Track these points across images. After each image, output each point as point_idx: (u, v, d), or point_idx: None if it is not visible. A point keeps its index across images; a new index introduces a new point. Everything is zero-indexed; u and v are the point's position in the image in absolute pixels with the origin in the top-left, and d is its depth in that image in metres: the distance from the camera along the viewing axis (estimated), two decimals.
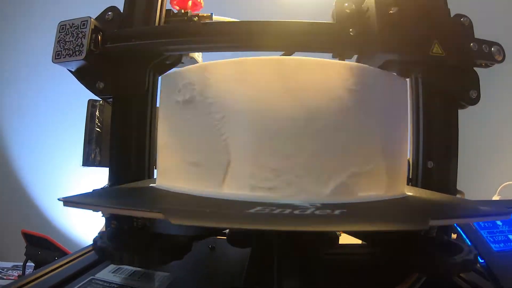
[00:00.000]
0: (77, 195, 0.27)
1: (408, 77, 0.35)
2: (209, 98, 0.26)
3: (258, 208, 0.21)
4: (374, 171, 0.26)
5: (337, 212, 0.20)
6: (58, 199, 0.25)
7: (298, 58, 0.26)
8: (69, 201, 0.23)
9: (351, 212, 0.21)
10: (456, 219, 0.24)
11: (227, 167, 0.25)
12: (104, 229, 0.40)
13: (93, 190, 0.35)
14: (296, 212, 0.20)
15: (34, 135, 1.27)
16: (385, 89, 0.28)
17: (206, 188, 0.26)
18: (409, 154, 0.41)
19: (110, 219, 0.39)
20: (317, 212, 0.20)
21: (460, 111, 0.39)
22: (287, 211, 0.20)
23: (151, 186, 0.30)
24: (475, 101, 0.37)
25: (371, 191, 0.26)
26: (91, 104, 0.46)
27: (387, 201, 0.26)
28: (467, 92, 0.37)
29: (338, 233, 0.47)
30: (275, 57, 0.26)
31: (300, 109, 0.24)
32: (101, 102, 0.47)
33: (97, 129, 0.46)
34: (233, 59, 0.26)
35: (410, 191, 0.30)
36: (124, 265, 0.30)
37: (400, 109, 0.30)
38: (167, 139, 0.30)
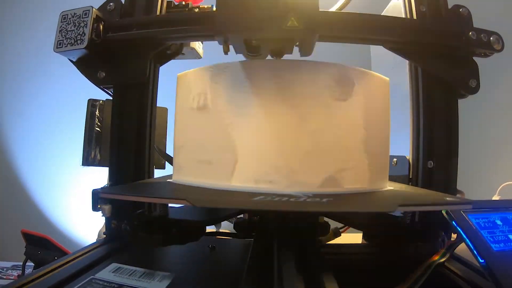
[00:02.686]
0: (108, 187, 0.33)
1: (280, 57, 0.36)
2: (219, 105, 0.31)
3: (261, 196, 0.25)
4: (358, 167, 0.30)
5: (324, 200, 0.25)
6: (93, 190, 0.32)
7: (294, 72, 0.30)
8: (106, 193, 0.30)
9: (336, 200, 0.26)
10: (420, 206, 0.28)
11: (235, 164, 0.29)
12: (104, 229, 0.40)
13: (93, 190, 0.35)
14: (292, 199, 0.25)
15: (34, 135, 1.27)
16: (368, 94, 0.31)
17: (217, 182, 0.30)
18: (409, 154, 0.41)
19: (110, 219, 0.39)
20: (308, 200, 0.25)
21: (461, 112, 0.39)
22: (285, 199, 0.25)
23: (169, 181, 0.34)
24: (474, 90, 0.37)
25: (356, 184, 0.30)
26: (91, 103, 0.46)
27: (369, 193, 0.31)
28: (467, 81, 0.37)
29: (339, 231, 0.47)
30: (274, 72, 0.30)
31: (295, 115, 0.29)
32: (101, 101, 0.47)
33: (97, 128, 0.46)
34: (239, 69, 0.30)
35: (392, 186, 0.34)
36: (151, 246, 0.35)
37: (382, 111, 0.33)
38: (183, 141, 0.34)
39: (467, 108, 0.39)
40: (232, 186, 0.29)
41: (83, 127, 0.46)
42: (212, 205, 0.30)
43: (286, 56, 0.36)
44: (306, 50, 0.33)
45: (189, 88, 0.33)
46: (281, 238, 0.33)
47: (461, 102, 0.39)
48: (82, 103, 0.47)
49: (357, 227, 0.38)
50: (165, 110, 0.53)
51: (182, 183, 0.33)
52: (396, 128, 0.38)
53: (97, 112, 0.46)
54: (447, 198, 0.28)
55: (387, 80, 0.34)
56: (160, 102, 0.43)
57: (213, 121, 0.31)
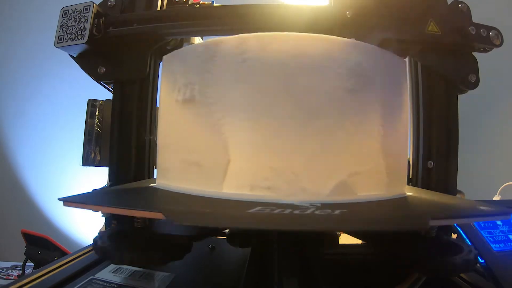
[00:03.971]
0: (77, 195, 0.26)
1: (405, 57, 0.35)
2: (209, 97, 0.26)
3: (258, 208, 0.20)
4: (374, 171, 0.26)
5: (337, 212, 0.20)
6: (58, 199, 0.25)
7: (299, 59, 0.25)
8: (69, 201, 0.23)
9: (352, 212, 0.21)
10: (456, 219, 0.24)
11: (227, 166, 0.25)
12: (104, 229, 0.40)
13: (93, 190, 0.35)
14: (296, 212, 0.20)
15: (34, 135, 1.27)
16: (386, 81, 0.27)
17: (206, 187, 0.25)
18: (409, 154, 0.41)
19: (110, 219, 0.39)
20: (317, 212, 0.20)
21: (461, 112, 0.38)
22: (287, 211, 0.20)
23: (151, 186, 0.30)
24: (474, 85, 0.37)
25: (371, 190, 0.25)
26: (91, 103, 0.46)
27: (388, 201, 0.26)
28: (466, 76, 0.37)
29: (338, 232, 0.47)
30: (276, 59, 0.25)
31: (301, 109, 0.24)
32: (100, 102, 0.47)
33: (96, 128, 0.46)
34: (234, 53, 0.25)
35: (410, 191, 0.30)
36: (124, 264, 0.30)
37: (401, 101, 0.29)
38: (167, 139, 0.30)
39: (468, 108, 0.39)
40: (224, 194, 0.24)
41: (83, 127, 0.46)
42: (194, 223, 0.22)
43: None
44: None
45: (175, 79, 0.28)
46: (281, 250, 0.29)
47: (462, 102, 0.39)
48: (82, 103, 0.47)
49: (374, 244, 0.32)
50: None
51: (166, 189, 0.28)
52: None
53: (97, 112, 0.46)
54: (482, 208, 0.23)
55: (404, 60, 0.31)
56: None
57: (201, 115, 0.26)
